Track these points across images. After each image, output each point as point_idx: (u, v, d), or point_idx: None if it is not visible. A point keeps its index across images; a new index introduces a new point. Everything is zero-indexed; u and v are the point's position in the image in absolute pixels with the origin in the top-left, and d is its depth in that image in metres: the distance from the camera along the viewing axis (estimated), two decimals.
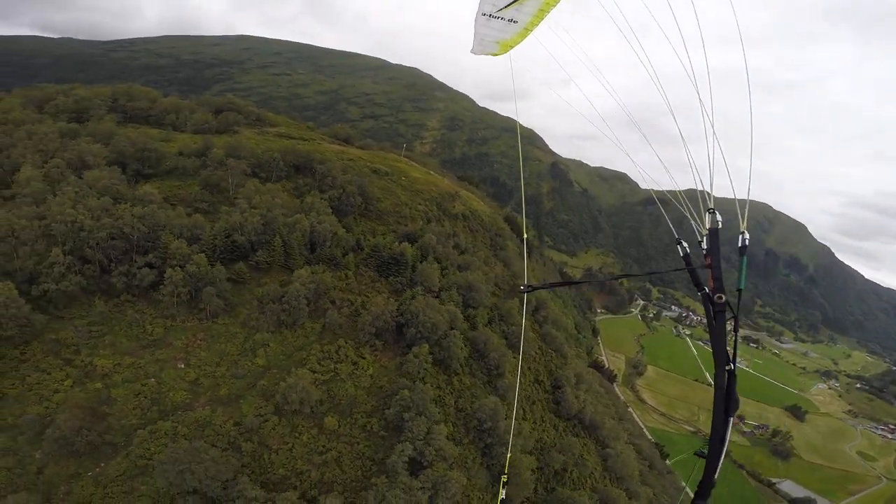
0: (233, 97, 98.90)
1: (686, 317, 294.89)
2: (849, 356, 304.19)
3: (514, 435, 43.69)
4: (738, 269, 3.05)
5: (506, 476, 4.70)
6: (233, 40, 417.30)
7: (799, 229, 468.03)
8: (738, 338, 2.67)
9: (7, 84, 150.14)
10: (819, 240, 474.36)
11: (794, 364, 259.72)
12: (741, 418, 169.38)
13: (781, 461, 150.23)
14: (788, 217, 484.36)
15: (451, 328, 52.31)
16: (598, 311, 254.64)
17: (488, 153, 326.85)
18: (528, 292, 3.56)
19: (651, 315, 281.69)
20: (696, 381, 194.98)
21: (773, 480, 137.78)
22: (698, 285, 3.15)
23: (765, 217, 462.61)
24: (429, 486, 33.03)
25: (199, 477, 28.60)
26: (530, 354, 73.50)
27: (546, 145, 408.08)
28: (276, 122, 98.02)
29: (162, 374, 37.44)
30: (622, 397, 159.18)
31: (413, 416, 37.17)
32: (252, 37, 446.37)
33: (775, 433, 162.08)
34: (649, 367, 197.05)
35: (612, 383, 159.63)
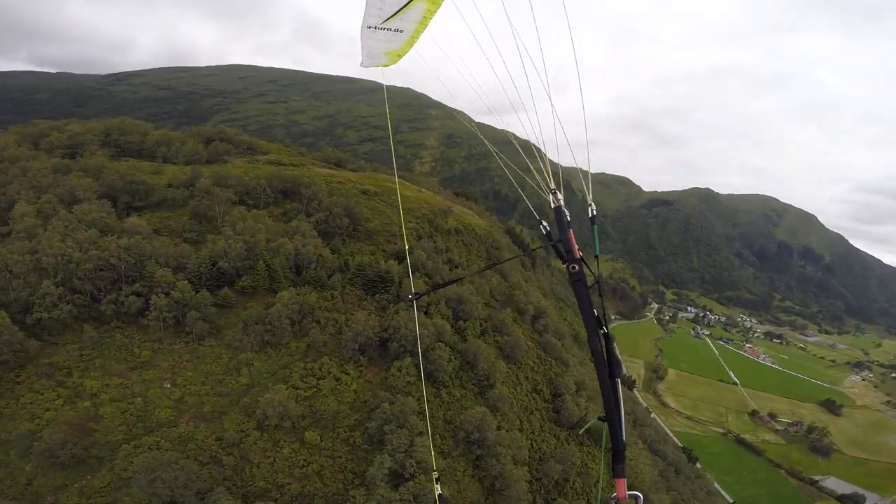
0: (223, 127, 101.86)
1: (703, 317, 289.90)
2: (879, 345, 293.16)
3: (500, 444, 43.12)
4: (592, 237, 3.49)
5: (436, 473, 5.08)
6: (226, 70, 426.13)
7: (809, 219, 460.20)
8: (603, 301, 2.95)
9: (7, 121, 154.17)
10: (831, 229, 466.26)
11: (822, 357, 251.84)
12: (773, 416, 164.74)
13: (822, 458, 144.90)
14: (797, 208, 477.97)
15: (439, 341, 52.50)
16: (612, 317, 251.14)
17: (488, 167, 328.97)
18: (416, 299, 3.87)
19: (667, 318, 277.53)
20: (720, 381, 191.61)
21: (816, 478, 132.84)
22: (561, 258, 3.34)
23: (772, 210, 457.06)
24: (409, 498, 32.88)
25: (170, 486, 29.27)
26: (528, 364, 73.00)
27: (544, 155, 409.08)
28: (267, 150, 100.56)
29: (148, 393, 38.46)
30: (644, 403, 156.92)
31: (393, 428, 37.26)
32: (245, 66, 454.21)
33: (811, 429, 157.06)
34: (670, 371, 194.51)
35: (631, 389, 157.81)
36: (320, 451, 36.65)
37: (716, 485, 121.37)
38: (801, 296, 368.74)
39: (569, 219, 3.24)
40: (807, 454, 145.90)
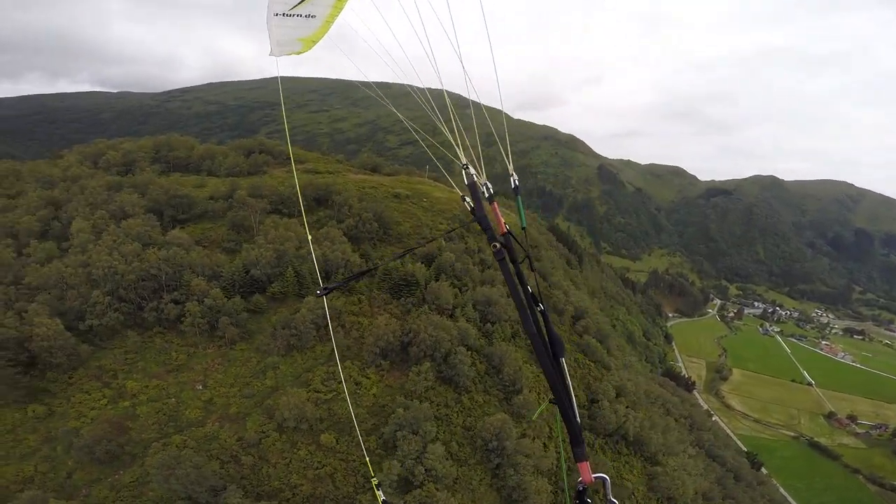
0: (263, 139, 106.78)
1: (773, 313, 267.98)
2: None
3: (520, 453, 41.77)
4: (517, 209, 3.36)
5: (374, 479, 5.09)
6: (269, 82, 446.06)
7: (890, 204, 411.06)
8: (537, 275, 2.86)
9: (77, 139, 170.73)
10: None
11: None
12: (852, 419, 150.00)
13: None
14: (875, 193, 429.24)
15: (462, 345, 51.86)
16: (670, 315, 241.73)
17: (530, 164, 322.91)
18: (325, 294, 3.82)
19: (731, 314, 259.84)
20: (792, 381, 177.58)
21: None
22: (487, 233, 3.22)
23: (846, 195, 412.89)
24: None
25: (183, 482, 31.08)
26: None
27: (589, 148, 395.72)
28: (305, 159, 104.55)
29: (182, 395, 41.12)
30: (704, 405, 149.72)
31: (406, 434, 37.23)
32: (287, 77, 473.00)
33: None
34: (735, 371, 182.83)
35: (690, 391, 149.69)
36: (335, 454, 37.44)
37: (782, 490, 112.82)
38: (886, 287, 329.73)
39: (490, 193, 3.08)
40: (891, 459, 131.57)
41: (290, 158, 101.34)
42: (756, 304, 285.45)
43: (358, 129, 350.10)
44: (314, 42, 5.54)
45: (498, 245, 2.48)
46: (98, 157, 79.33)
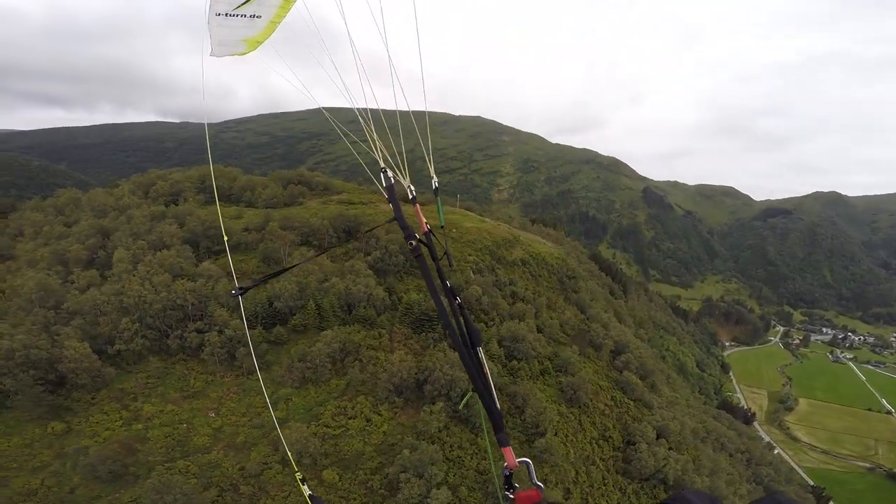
0: (302, 170, 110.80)
1: (844, 338, 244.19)
2: None
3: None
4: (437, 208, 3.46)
5: (299, 474, 4.72)
6: (314, 113, 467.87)
7: None
8: (445, 269, 2.90)
9: (143, 167, 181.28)
10: None
11: None
12: None
13: None
14: None
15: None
16: (727, 344, 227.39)
17: (571, 189, 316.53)
18: (240, 295, 3.53)
19: (796, 342, 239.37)
20: (868, 410, 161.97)
21: None
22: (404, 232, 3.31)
23: None
24: None
25: None
26: (597, 407, 65.89)
27: (633, 171, 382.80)
28: (341, 189, 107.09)
29: (194, 421, 41.67)
30: (766, 438, 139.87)
31: (410, 477, 35.11)
32: (330, 108, 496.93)
33: None
34: (801, 401, 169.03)
35: (749, 424, 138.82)
36: (336, 491, 36.16)
37: None
38: None
39: (413, 195, 3.07)
40: None
41: (326, 189, 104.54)
42: (825, 329, 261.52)
43: (396, 158, 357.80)
44: (259, 43, 5.31)
45: (413, 242, 2.60)
46: (149, 187, 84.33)
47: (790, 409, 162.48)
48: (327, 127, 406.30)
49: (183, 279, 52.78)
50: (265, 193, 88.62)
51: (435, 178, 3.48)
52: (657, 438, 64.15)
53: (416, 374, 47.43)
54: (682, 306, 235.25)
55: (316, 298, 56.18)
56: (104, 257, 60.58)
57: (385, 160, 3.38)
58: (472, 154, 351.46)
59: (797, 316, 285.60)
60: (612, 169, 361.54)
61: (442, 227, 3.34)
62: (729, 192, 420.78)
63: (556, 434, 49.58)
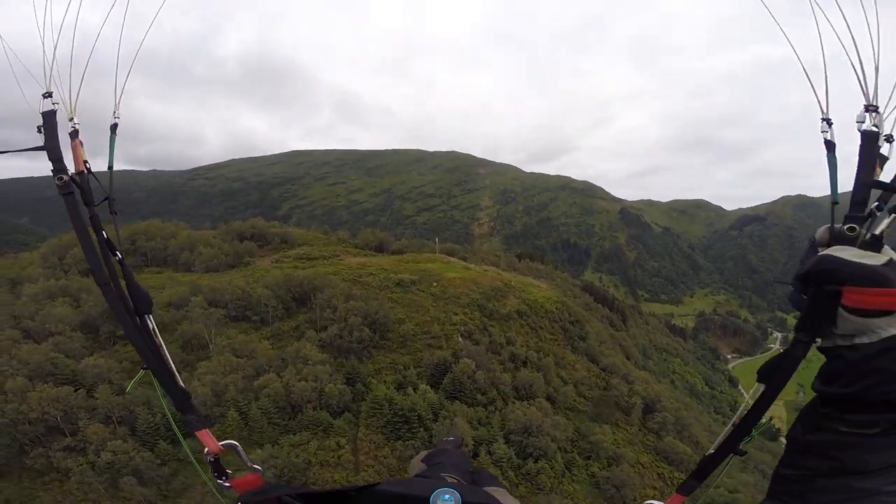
0: (255, 221, 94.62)
1: None
2: None
3: None
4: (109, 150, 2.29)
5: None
6: (287, 156, 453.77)
7: None
8: (116, 220, 2.08)
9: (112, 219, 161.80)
10: None
11: None
12: None
13: None
14: None
15: None
16: (729, 357, 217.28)
17: (549, 217, 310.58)
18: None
19: None
20: None
21: None
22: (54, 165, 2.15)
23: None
24: None
25: None
26: (645, 494, 50.36)
27: (607, 193, 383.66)
28: (301, 241, 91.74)
29: None
30: None
31: None
32: (302, 150, 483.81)
33: None
34: None
35: (774, 440, 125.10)
36: None
37: None
38: None
39: (76, 128, 2.06)
40: None
41: (285, 242, 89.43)
42: None
43: (374, 198, 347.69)
44: None
45: (64, 178, 1.93)
46: (66, 252, 66.77)
47: None
48: (301, 171, 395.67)
49: (47, 384, 37.77)
50: (205, 254, 72.32)
51: (117, 114, 2.15)
52: None
53: None
54: (678, 324, 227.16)
55: (239, 405, 40.86)
56: None
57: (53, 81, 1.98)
58: (450, 189, 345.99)
59: (791, 320, 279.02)
60: (587, 193, 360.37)
61: (110, 168, 2.11)
62: (701, 205, 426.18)
63: None
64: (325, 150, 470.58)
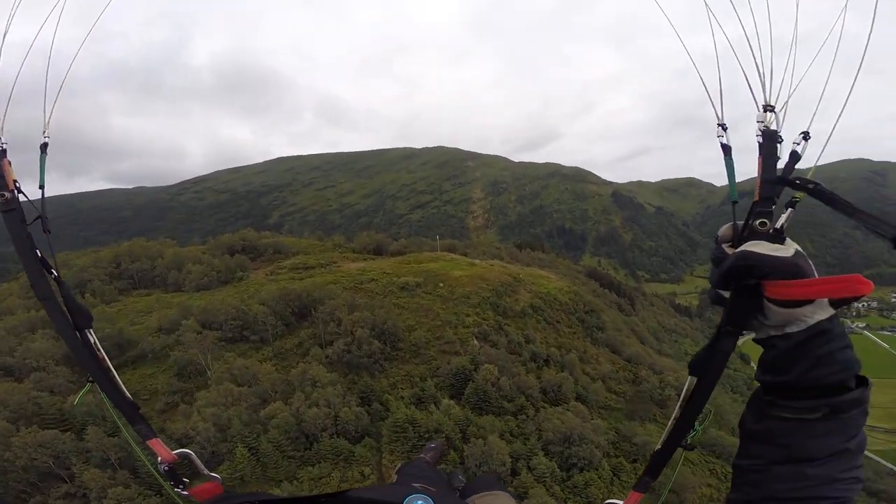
0: (245, 232, 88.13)
1: (848, 307, 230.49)
2: None
3: None
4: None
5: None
6: (274, 164, 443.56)
7: None
8: (50, 239, 2.03)
9: (101, 241, 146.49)
10: None
11: None
12: None
13: None
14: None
15: None
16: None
17: (542, 205, 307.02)
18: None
19: None
20: None
21: None
22: None
23: (870, 172, 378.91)
24: None
25: None
26: (706, 494, 46.01)
27: (598, 177, 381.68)
28: (296, 250, 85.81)
29: None
30: None
31: None
32: (289, 157, 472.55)
33: None
34: None
35: None
36: None
37: None
38: None
39: (4, 147, 2.09)
40: None
41: (278, 252, 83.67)
42: None
43: (366, 200, 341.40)
44: None
45: (6, 195, 1.96)
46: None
47: None
48: (288, 177, 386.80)
49: (33, 427, 32.85)
50: (195, 272, 66.35)
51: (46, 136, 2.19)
52: None
53: None
54: (682, 303, 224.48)
55: (247, 440, 35.86)
56: None
57: None
58: (441, 185, 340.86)
59: None
60: (578, 178, 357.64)
61: (41, 187, 2.04)
62: (692, 183, 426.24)
63: None
64: (312, 155, 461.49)
